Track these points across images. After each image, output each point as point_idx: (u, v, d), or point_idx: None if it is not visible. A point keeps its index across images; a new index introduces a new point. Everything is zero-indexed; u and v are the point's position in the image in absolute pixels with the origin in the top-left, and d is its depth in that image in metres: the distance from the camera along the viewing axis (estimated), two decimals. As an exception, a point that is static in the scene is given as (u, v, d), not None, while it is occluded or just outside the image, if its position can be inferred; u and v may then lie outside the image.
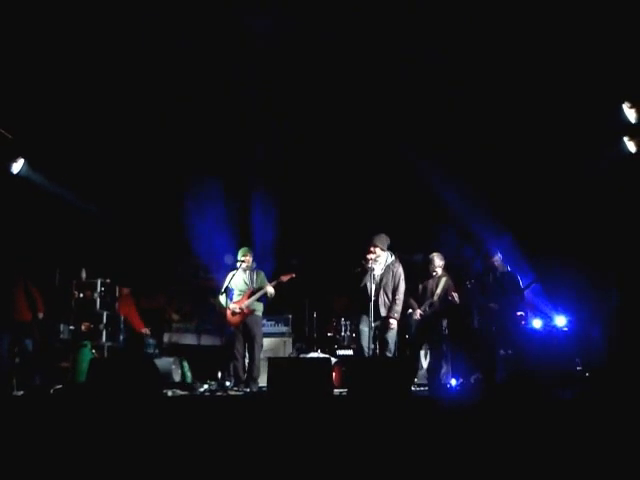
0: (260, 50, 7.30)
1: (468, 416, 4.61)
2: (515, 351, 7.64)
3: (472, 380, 7.77)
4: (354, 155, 9.22)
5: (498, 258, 7.93)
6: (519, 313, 7.94)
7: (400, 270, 7.23)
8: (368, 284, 6.99)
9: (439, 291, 7.59)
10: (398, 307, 7.15)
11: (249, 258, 7.82)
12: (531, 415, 4.52)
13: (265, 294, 7.75)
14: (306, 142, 9.07)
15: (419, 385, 8.13)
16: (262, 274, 7.94)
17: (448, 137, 8.77)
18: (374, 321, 6.92)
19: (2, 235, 8.16)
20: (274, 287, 7.75)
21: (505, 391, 6.52)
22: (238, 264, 7.79)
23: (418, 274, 7.78)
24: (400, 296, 7.17)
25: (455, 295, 7.57)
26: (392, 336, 7.16)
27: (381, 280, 7.13)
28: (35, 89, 7.60)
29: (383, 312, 7.10)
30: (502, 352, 7.74)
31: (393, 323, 7.11)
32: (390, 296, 7.15)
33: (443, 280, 7.66)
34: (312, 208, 10.00)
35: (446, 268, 7.79)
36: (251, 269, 7.87)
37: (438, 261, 7.66)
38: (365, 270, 7.11)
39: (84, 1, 6.47)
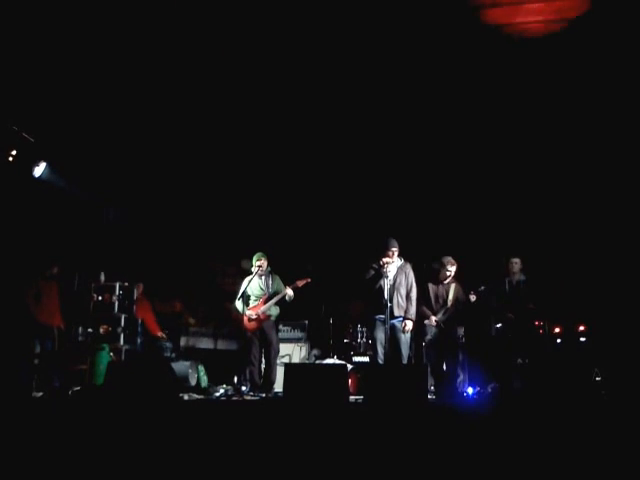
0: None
1: (485, 425, 4.59)
2: (532, 360, 7.59)
3: (489, 389, 7.72)
4: (369, 161, 9.21)
5: (515, 262, 7.86)
6: (537, 322, 7.87)
7: (412, 272, 7.39)
8: (383, 286, 7.07)
9: (451, 297, 7.59)
10: (414, 308, 7.26)
11: (264, 263, 7.84)
12: (548, 424, 4.48)
13: (283, 297, 7.77)
14: (321, 148, 9.08)
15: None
16: (278, 278, 7.95)
17: (451, 137, 8.75)
18: (388, 321, 6.99)
19: (25, 237, 8.32)
20: None
21: (522, 400, 6.46)
22: (253, 269, 7.82)
23: (427, 280, 7.77)
24: (414, 296, 7.29)
25: (472, 296, 7.57)
26: (407, 338, 7.17)
27: (394, 282, 7.24)
28: (57, 92, 7.68)
29: (397, 312, 7.17)
30: (519, 361, 7.69)
31: (409, 324, 7.16)
32: (404, 297, 7.25)
33: (453, 286, 7.65)
34: (327, 214, 10.01)
35: (457, 273, 7.75)
36: (266, 274, 7.89)
37: (450, 265, 7.63)
38: (380, 274, 7.20)
39: (115, 8, 6.54)
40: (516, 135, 8.44)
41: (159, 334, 9.64)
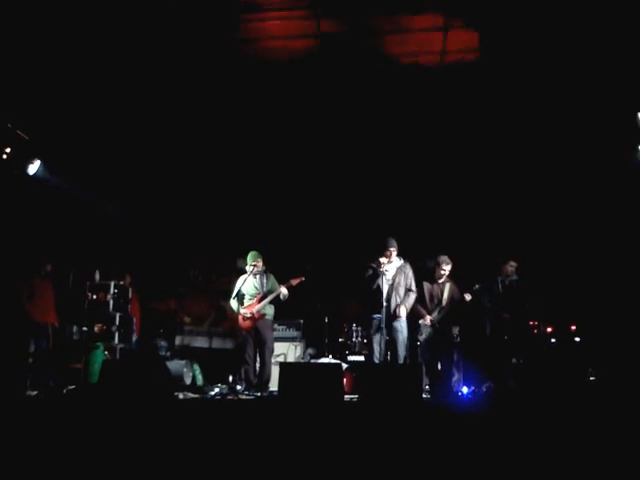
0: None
1: (479, 424, 4.60)
2: (527, 360, 7.61)
3: (484, 388, 7.74)
4: (365, 161, 9.23)
5: (512, 265, 7.88)
6: (532, 322, 7.90)
7: (411, 273, 7.37)
8: (381, 286, 7.05)
9: (446, 296, 7.59)
10: (410, 299, 7.24)
11: (259, 262, 7.83)
12: (542, 424, 4.49)
13: (278, 296, 7.76)
14: (318, 147, 9.08)
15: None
16: (272, 277, 7.95)
17: (452, 138, 8.77)
18: (385, 321, 6.96)
19: (18, 235, 8.29)
20: None
21: (516, 400, 6.48)
22: (248, 269, 7.82)
23: (422, 279, 7.75)
24: (414, 287, 7.29)
25: (467, 295, 7.57)
26: (404, 338, 7.16)
27: (393, 282, 7.23)
28: (51, 90, 7.65)
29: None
30: (514, 360, 7.70)
31: (403, 311, 7.14)
32: (402, 297, 7.23)
33: (448, 285, 7.64)
34: (324, 213, 10.01)
35: (452, 272, 7.75)
36: (261, 273, 7.88)
37: (445, 264, 7.63)
38: (377, 273, 7.17)
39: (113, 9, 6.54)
40: (509, 140, 8.51)
41: (134, 336, 9.65)
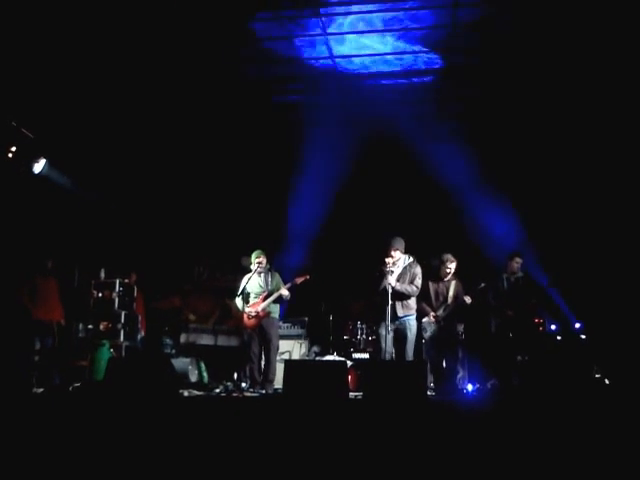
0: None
1: (484, 421, 4.60)
2: (532, 357, 7.60)
3: (489, 386, 7.73)
4: (369, 159, 9.22)
5: (517, 262, 7.86)
6: (537, 320, 7.88)
7: (418, 270, 7.29)
8: (387, 287, 7.01)
9: (451, 294, 7.56)
10: (409, 288, 7.15)
11: (263, 260, 7.82)
12: (547, 421, 4.49)
13: (280, 296, 7.76)
14: (321, 145, 9.08)
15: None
16: (277, 276, 7.94)
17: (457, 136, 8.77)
18: (391, 322, 6.95)
19: (24, 235, 8.32)
20: (288, 289, 7.76)
21: (521, 397, 6.47)
22: (253, 267, 7.82)
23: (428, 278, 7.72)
24: (418, 282, 7.22)
25: (467, 298, 7.54)
26: (412, 337, 7.15)
27: (398, 281, 7.17)
28: (56, 88, 7.67)
29: (401, 312, 7.13)
30: (519, 358, 7.69)
31: (391, 279, 7.04)
32: (407, 297, 7.18)
33: (453, 283, 7.62)
34: (329, 211, 10.00)
35: (458, 270, 7.73)
36: (265, 271, 7.88)
37: (450, 262, 7.60)
38: (384, 274, 7.14)
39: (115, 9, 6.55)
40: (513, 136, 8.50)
41: (142, 333, 9.68)
